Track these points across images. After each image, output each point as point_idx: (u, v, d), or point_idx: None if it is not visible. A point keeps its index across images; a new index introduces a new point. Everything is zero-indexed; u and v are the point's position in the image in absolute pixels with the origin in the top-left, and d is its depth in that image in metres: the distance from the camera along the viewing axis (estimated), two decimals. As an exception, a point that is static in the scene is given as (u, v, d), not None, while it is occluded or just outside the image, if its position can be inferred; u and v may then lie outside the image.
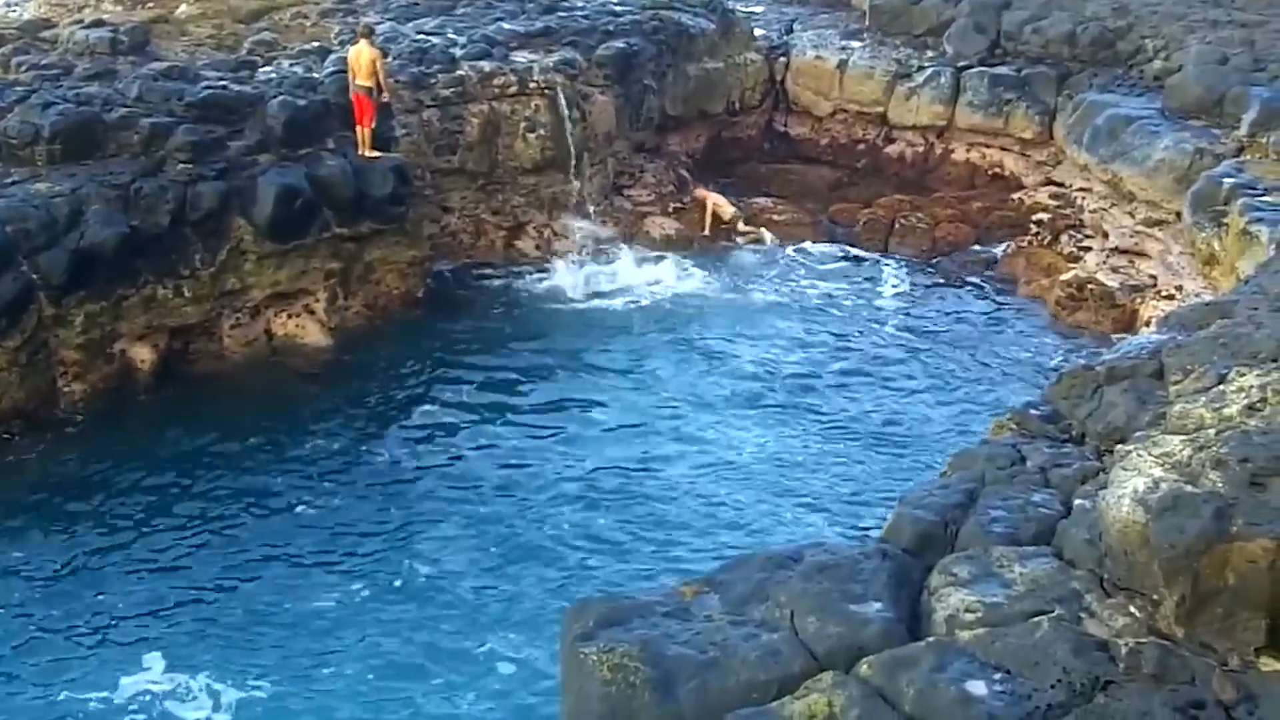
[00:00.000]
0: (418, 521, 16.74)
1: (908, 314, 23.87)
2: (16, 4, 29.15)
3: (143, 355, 19.50)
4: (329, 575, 15.46)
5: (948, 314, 23.86)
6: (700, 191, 27.69)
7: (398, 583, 15.29)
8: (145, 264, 19.30)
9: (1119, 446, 9.15)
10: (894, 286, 25.16)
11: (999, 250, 26.40)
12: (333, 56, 23.67)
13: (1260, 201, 19.11)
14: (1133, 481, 7.89)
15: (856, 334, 22.97)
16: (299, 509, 16.89)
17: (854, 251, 26.81)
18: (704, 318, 23.42)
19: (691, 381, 20.90)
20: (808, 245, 27.02)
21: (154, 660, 13.74)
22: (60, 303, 18.41)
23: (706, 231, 26.95)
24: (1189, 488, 7.63)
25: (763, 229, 27.21)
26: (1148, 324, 20.67)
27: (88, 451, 17.98)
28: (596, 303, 23.84)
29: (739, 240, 26.92)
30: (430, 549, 16.02)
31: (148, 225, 19.24)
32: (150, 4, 27.34)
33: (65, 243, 18.38)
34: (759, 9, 36.31)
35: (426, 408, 19.79)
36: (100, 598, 14.85)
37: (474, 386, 20.48)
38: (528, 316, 23.31)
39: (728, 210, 27.19)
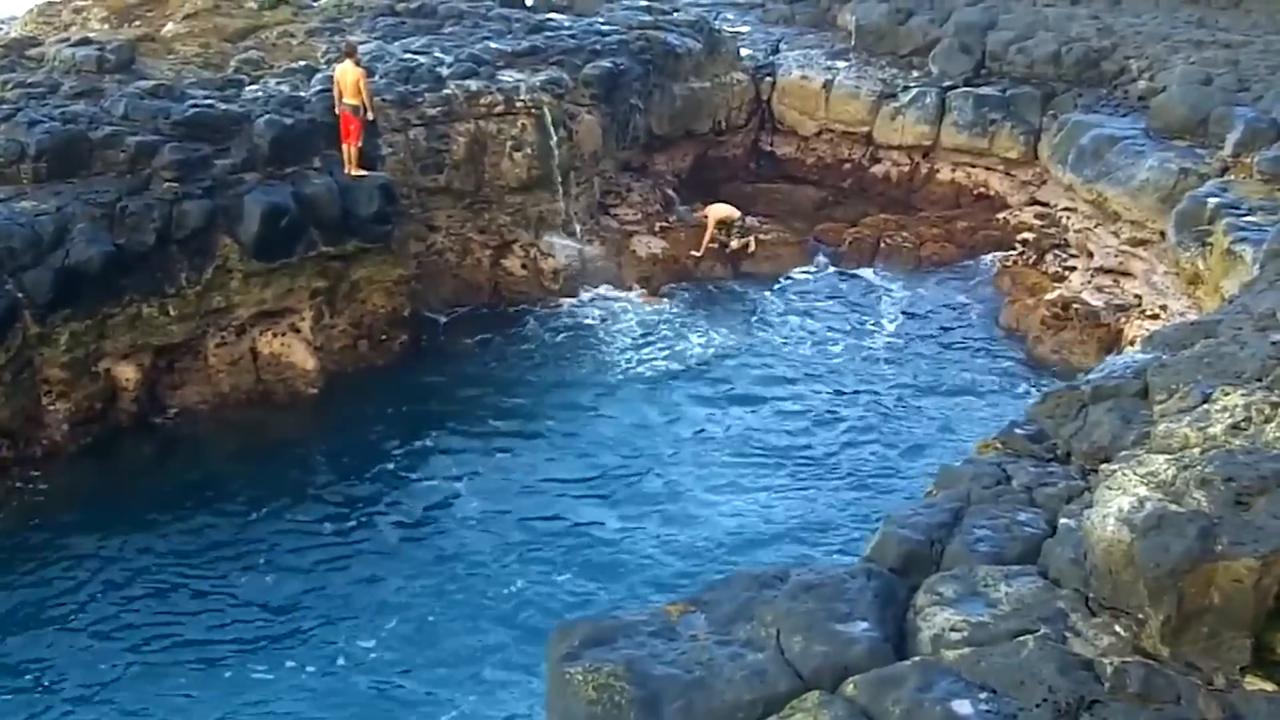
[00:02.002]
0: (384, 577, 16.67)
1: (897, 349, 23.89)
2: (3, 23, 29.16)
3: (127, 374, 19.45)
4: (295, 640, 15.29)
5: (936, 347, 23.92)
6: (704, 212, 27.65)
7: (360, 647, 15.13)
8: (131, 282, 19.27)
9: (1104, 466, 9.15)
10: (887, 318, 25.16)
11: (984, 262, 26.49)
12: (319, 75, 23.69)
13: (1244, 221, 19.16)
14: (1118, 501, 7.89)
15: (846, 370, 22.96)
16: (267, 567, 16.75)
17: (845, 278, 26.93)
18: (696, 355, 23.46)
19: (680, 424, 20.95)
20: (798, 273, 27.14)
21: None
22: (45, 321, 18.37)
23: (699, 251, 26.96)
24: (1174, 507, 7.64)
25: (751, 239, 27.25)
26: (1132, 343, 20.70)
27: (56, 507, 17.79)
28: (584, 343, 23.87)
29: (729, 247, 26.93)
30: (394, 608, 15.92)
31: (133, 244, 19.21)
32: (137, 22, 27.32)
33: (50, 261, 18.34)
34: (745, 29, 36.50)
35: (408, 453, 19.72)
36: (51, 665, 14.68)
37: (455, 427, 20.60)
38: (515, 358, 23.34)
39: (735, 212, 27.28)
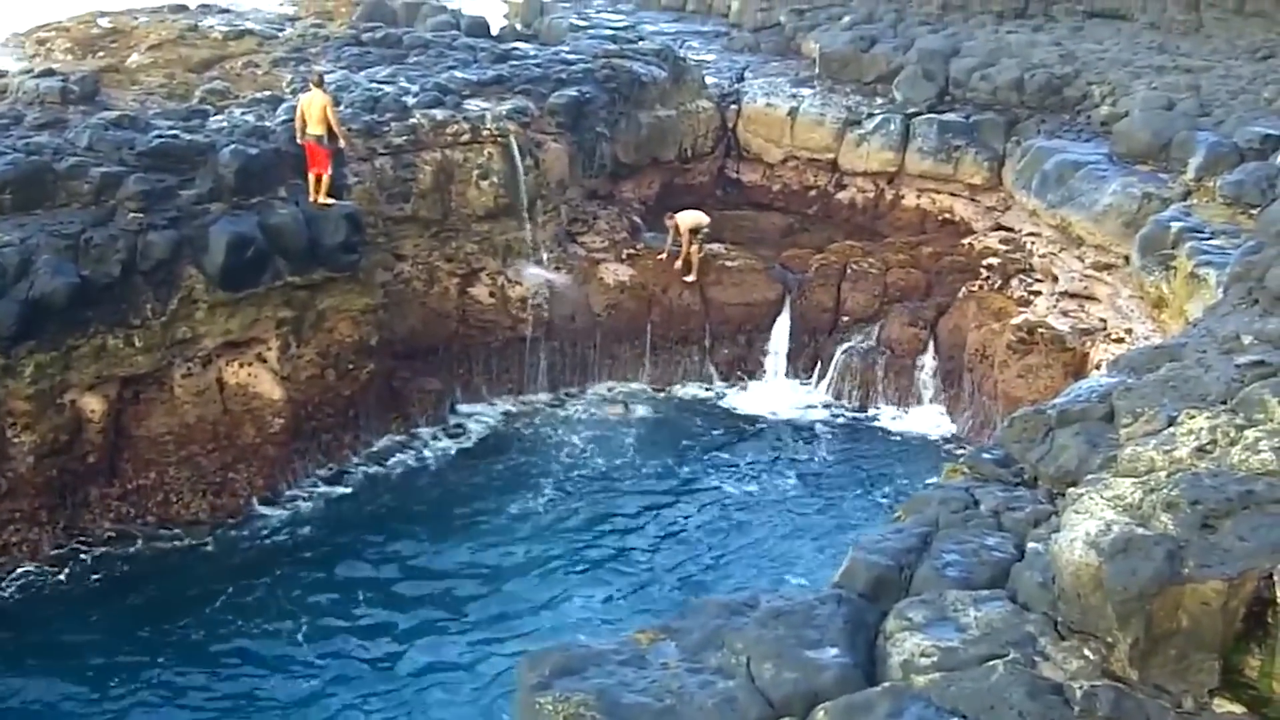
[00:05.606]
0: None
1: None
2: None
3: (93, 405, 19.32)
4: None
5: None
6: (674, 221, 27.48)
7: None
8: (96, 313, 19.15)
9: (1071, 489, 9.20)
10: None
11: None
12: (284, 105, 23.59)
13: (1207, 245, 19.32)
14: (1085, 524, 7.93)
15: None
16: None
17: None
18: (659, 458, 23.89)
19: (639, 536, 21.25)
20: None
21: None
22: (10, 353, 18.25)
23: (666, 257, 27.01)
24: (1141, 530, 7.67)
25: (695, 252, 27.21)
26: (1098, 367, 20.82)
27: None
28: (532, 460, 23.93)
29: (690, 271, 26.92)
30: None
31: (98, 275, 19.09)
32: (101, 53, 27.28)
33: (15, 293, 18.21)
34: (710, 57, 36.57)
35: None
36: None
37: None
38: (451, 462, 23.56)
39: (704, 218, 27.24)
